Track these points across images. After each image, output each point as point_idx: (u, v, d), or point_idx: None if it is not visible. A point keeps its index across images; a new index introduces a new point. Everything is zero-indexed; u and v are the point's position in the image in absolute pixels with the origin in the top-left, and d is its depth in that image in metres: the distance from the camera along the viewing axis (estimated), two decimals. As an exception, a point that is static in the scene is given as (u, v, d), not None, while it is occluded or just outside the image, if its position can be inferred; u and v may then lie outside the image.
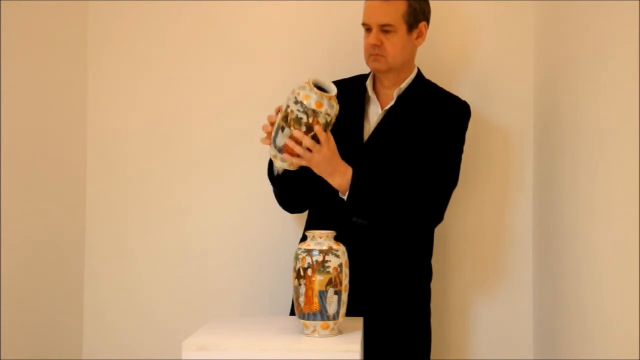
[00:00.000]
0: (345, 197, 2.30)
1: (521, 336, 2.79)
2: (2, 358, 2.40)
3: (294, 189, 2.45)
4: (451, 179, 2.42)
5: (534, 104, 2.77)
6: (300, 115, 2.18)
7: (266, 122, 2.27)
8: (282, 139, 2.22)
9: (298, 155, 2.21)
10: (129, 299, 2.89)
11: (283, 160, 2.24)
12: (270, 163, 2.44)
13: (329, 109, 2.20)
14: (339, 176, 2.28)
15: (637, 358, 1.64)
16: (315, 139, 2.20)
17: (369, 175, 2.32)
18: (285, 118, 2.20)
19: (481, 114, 2.76)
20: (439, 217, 2.40)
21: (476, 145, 2.74)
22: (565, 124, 2.34)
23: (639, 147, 1.66)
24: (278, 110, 2.25)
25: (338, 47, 2.80)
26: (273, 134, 2.24)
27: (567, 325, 2.27)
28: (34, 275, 2.61)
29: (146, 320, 2.88)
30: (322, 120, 2.19)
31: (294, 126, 2.19)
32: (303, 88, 2.20)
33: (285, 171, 2.38)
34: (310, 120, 2.18)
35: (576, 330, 2.17)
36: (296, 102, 2.18)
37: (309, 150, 2.20)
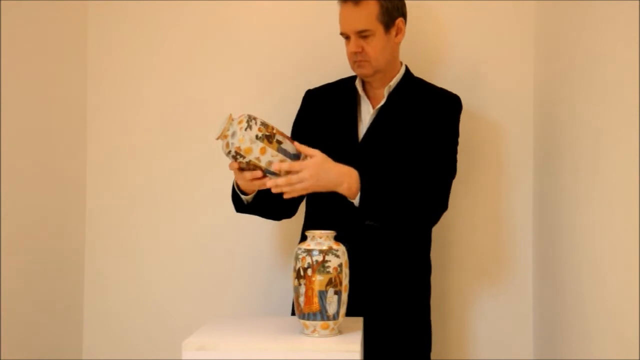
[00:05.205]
0: (355, 202, 2.25)
1: (521, 336, 2.79)
2: (2, 358, 2.40)
3: (265, 206, 2.41)
4: (450, 169, 2.42)
5: (534, 103, 2.77)
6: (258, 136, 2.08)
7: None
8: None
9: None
10: (129, 299, 2.89)
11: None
12: (234, 192, 2.38)
13: (252, 126, 2.10)
14: (346, 181, 2.23)
15: (637, 358, 1.64)
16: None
17: (375, 177, 2.30)
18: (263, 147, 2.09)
19: (481, 114, 2.76)
20: (444, 207, 2.40)
21: (476, 143, 2.74)
22: (565, 123, 2.34)
23: (639, 144, 1.66)
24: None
25: (339, 49, 2.80)
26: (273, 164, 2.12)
27: (567, 325, 2.27)
28: (34, 275, 2.61)
29: (146, 320, 2.88)
30: (270, 132, 2.11)
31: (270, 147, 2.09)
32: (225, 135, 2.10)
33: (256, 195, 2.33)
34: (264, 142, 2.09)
35: (576, 330, 2.17)
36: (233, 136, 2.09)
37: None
